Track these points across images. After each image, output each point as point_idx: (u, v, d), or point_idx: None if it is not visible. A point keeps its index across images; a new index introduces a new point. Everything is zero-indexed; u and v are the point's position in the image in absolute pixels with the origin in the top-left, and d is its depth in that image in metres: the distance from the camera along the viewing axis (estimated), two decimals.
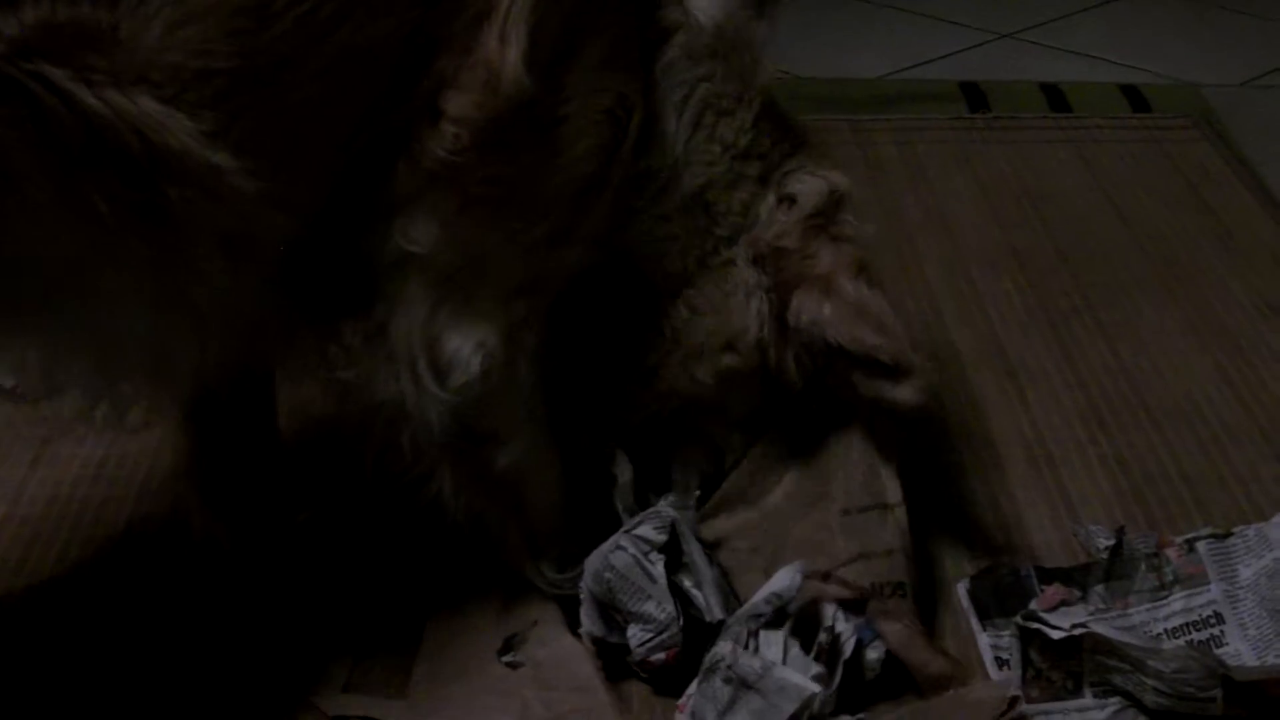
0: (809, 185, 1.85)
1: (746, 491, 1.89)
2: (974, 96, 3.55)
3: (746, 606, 1.70)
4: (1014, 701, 1.64)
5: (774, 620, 1.67)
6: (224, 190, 1.39)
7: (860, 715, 1.66)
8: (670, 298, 1.84)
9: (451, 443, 1.70)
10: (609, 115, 1.68)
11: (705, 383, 1.86)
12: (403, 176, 1.57)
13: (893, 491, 1.84)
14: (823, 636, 1.67)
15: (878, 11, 4.23)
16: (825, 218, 1.84)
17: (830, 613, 1.71)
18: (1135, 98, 3.54)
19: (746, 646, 1.65)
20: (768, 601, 1.68)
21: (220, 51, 1.36)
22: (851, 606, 1.73)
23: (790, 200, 1.84)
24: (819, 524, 1.83)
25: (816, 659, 1.65)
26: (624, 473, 1.87)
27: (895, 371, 1.75)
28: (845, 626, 1.70)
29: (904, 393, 1.75)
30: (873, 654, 1.72)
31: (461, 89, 1.55)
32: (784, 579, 1.70)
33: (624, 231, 1.77)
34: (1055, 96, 3.54)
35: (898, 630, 1.75)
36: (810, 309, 1.78)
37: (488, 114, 1.55)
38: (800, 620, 1.68)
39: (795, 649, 1.66)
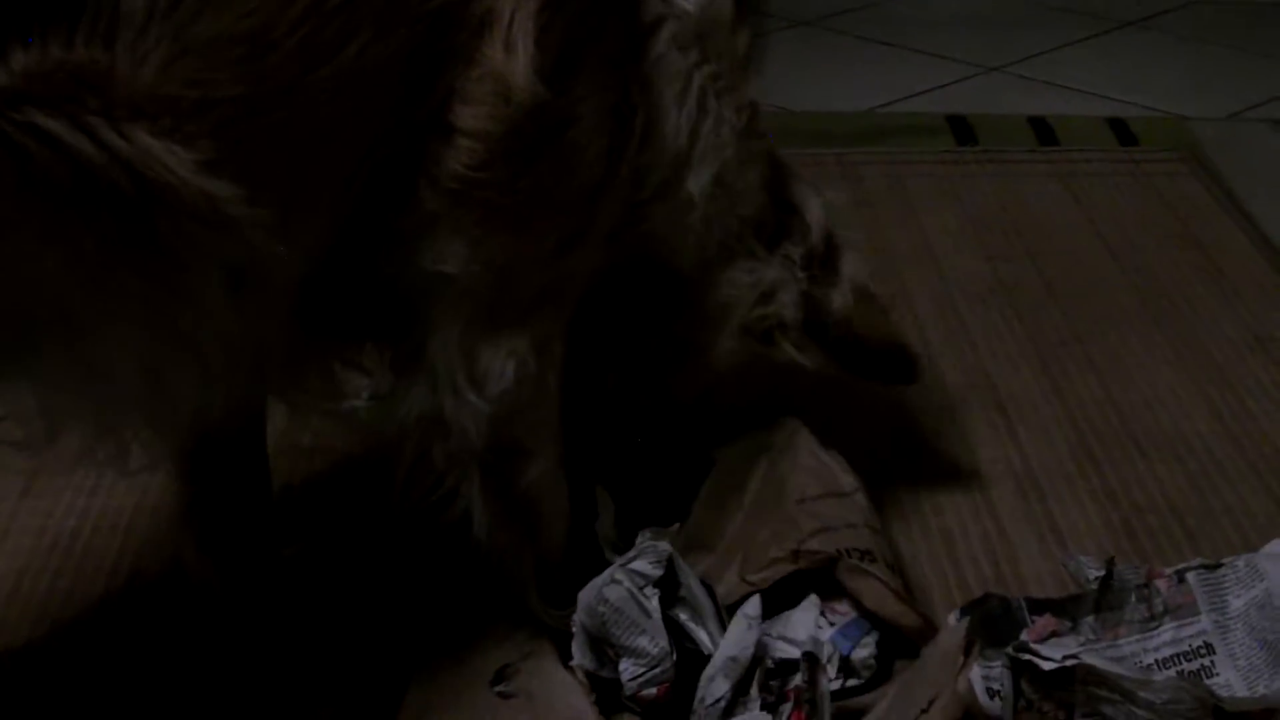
0: (809, 197, 1.99)
1: (706, 537, 1.91)
2: (962, 130, 3.56)
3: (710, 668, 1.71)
4: (970, 644, 1.65)
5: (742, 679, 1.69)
6: (222, 219, 1.37)
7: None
8: (701, 281, 1.89)
9: (484, 454, 1.70)
10: (615, 114, 1.68)
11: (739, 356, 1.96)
12: (424, 196, 1.56)
13: (847, 482, 1.94)
14: (798, 679, 1.67)
15: (865, 46, 4.25)
16: (831, 225, 1.99)
17: (812, 621, 1.73)
18: (1123, 131, 3.55)
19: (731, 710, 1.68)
20: (725, 674, 1.68)
21: (220, 80, 1.34)
22: (821, 575, 1.77)
23: (793, 209, 1.98)
24: (780, 520, 1.87)
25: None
26: (606, 509, 1.88)
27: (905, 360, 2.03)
28: (828, 633, 1.72)
29: (907, 375, 2.04)
30: (862, 652, 1.73)
31: (471, 102, 1.54)
32: (735, 638, 1.70)
33: (634, 227, 1.78)
34: (1043, 130, 3.55)
35: (871, 586, 1.78)
36: (839, 302, 1.98)
37: (502, 125, 1.55)
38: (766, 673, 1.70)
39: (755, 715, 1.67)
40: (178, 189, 1.33)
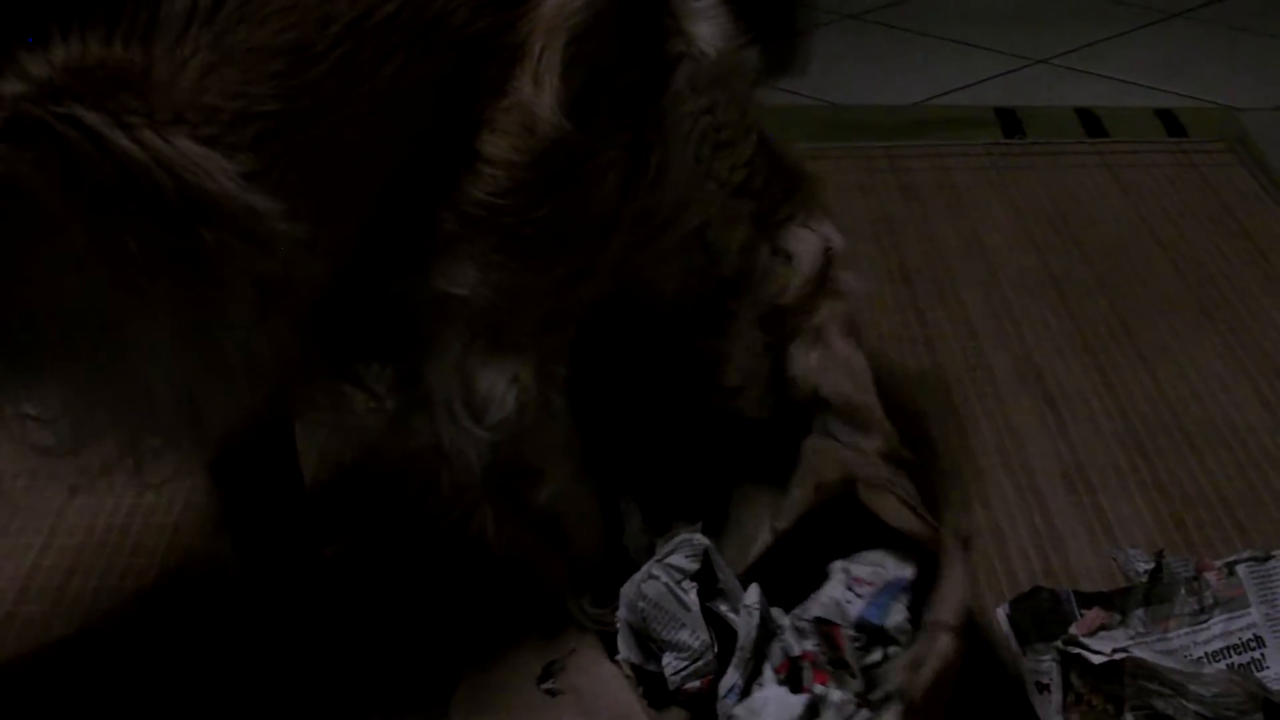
0: (806, 244, 1.95)
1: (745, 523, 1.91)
2: (1009, 122, 3.55)
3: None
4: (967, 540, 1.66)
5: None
6: (262, 233, 1.38)
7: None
8: (674, 333, 1.88)
9: (491, 481, 1.69)
10: (631, 150, 1.69)
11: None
12: (443, 219, 1.56)
13: (863, 441, 1.91)
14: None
15: (913, 39, 4.24)
16: (821, 277, 1.95)
17: (839, 594, 1.72)
18: (1171, 122, 3.53)
19: (747, 693, 1.68)
20: (734, 664, 1.69)
21: (260, 94, 1.35)
22: (843, 517, 1.77)
23: (787, 256, 1.94)
24: (802, 471, 1.86)
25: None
26: (632, 515, 1.88)
27: (865, 426, 1.91)
28: (857, 607, 1.72)
29: (868, 445, 1.90)
30: (895, 619, 1.73)
31: (498, 131, 1.55)
32: (740, 629, 1.70)
33: (625, 264, 1.77)
34: (1091, 121, 3.54)
35: (890, 503, 1.77)
36: (801, 360, 1.94)
37: (525, 155, 1.55)
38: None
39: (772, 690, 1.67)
40: (220, 200, 1.34)
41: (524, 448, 1.69)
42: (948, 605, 1.60)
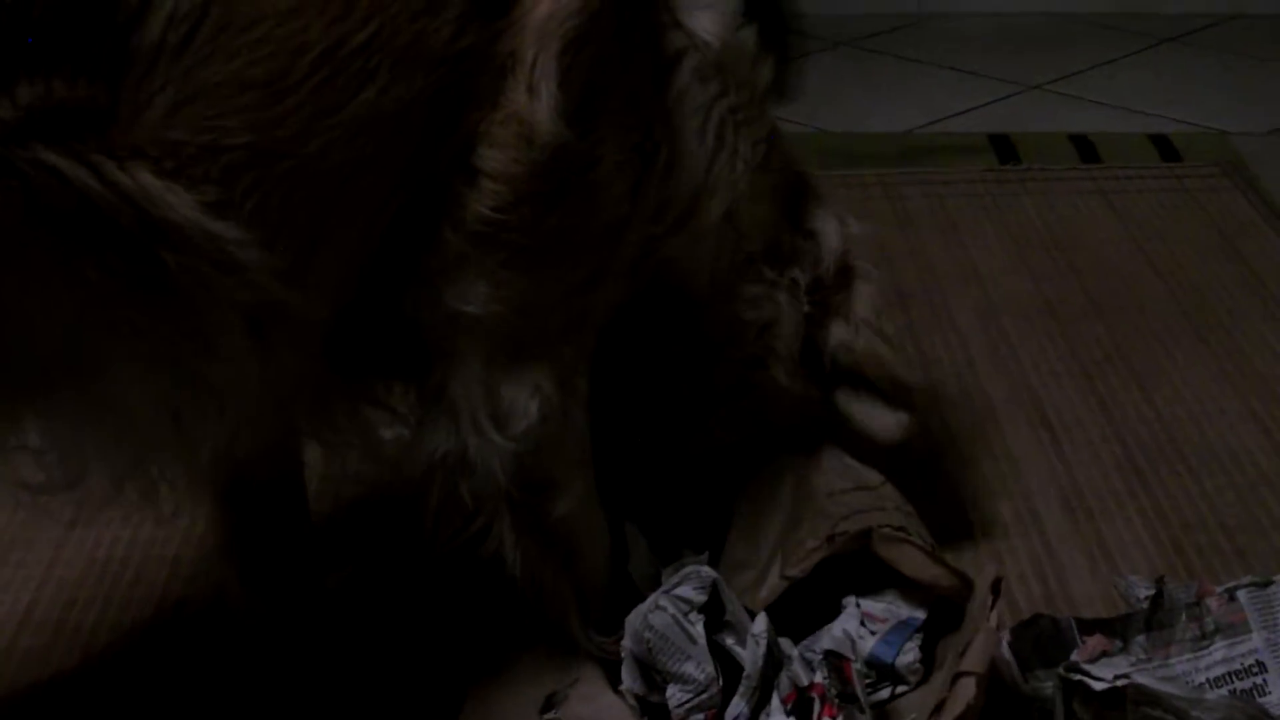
0: (828, 224, 1.99)
1: (745, 555, 1.91)
2: (1003, 148, 3.55)
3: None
4: (998, 581, 1.66)
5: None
6: (230, 261, 1.36)
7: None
8: (709, 310, 1.90)
9: (512, 491, 1.69)
10: (638, 151, 1.69)
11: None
12: (448, 238, 1.56)
13: (874, 477, 1.95)
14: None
15: (905, 66, 4.24)
16: (847, 253, 1.99)
17: (853, 628, 1.72)
18: (1165, 147, 3.54)
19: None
20: (740, 693, 1.69)
21: (230, 127, 1.33)
22: (856, 559, 1.78)
23: (811, 234, 1.98)
24: (813, 515, 1.86)
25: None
26: (638, 544, 1.88)
27: (893, 401, 1.99)
28: (870, 643, 1.72)
29: (889, 424, 2.00)
30: (906, 658, 1.73)
31: (495, 145, 1.54)
32: (747, 658, 1.70)
33: (650, 257, 1.78)
34: (1085, 147, 3.55)
35: (906, 552, 1.78)
36: (839, 334, 1.99)
37: (526, 167, 1.55)
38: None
39: None
40: (183, 228, 1.33)
41: (544, 458, 1.69)
42: (977, 655, 1.60)
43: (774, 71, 1.92)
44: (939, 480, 2.21)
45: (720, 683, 1.70)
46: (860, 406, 2.01)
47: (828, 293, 1.98)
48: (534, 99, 1.53)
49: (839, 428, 2.01)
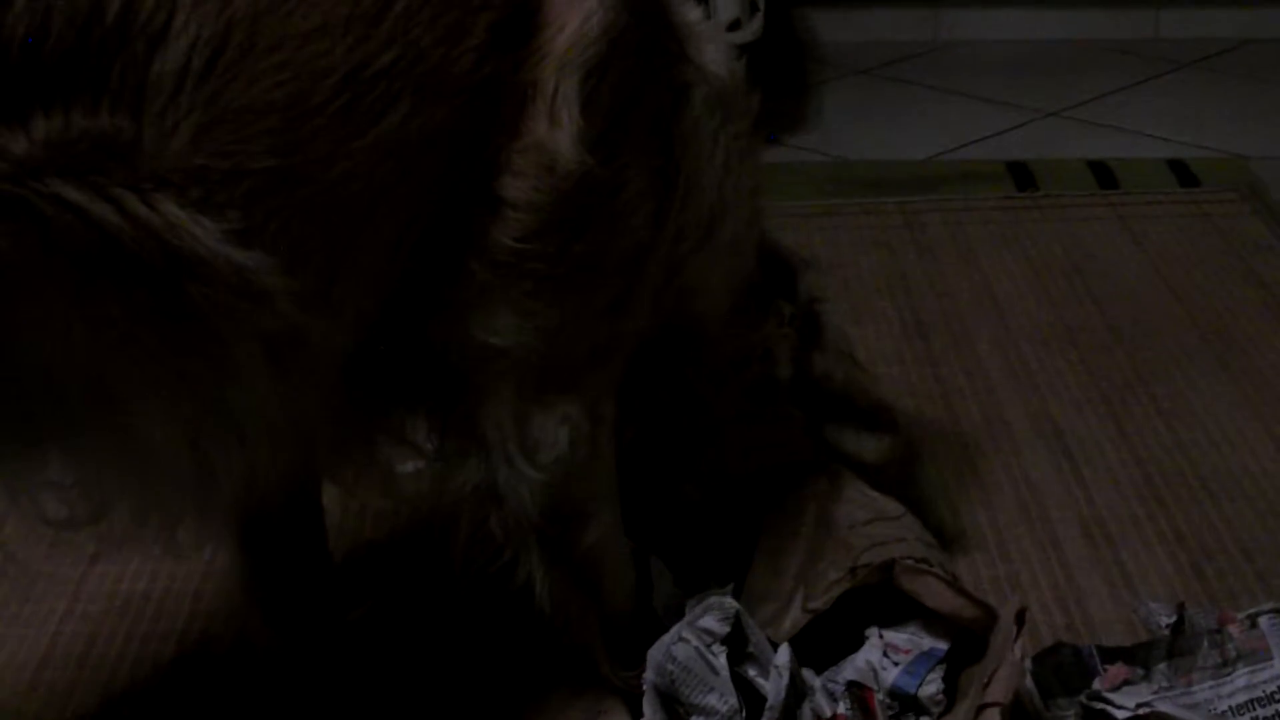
0: (794, 256, 2.06)
1: (767, 587, 1.91)
2: (1021, 175, 3.55)
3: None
4: (1022, 611, 1.66)
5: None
6: (255, 291, 1.35)
7: None
8: (719, 336, 1.91)
9: (541, 522, 1.68)
10: (660, 175, 1.68)
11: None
12: (473, 268, 1.55)
13: (894, 508, 1.95)
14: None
15: (924, 94, 4.25)
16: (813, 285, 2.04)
17: (876, 658, 1.73)
18: (1183, 172, 3.54)
19: None
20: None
21: (253, 151, 1.32)
22: (879, 591, 1.78)
23: (784, 268, 2.02)
24: (834, 547, 1.86)
25: None
26: (663, 577, 1.88)
27: (876, 427, 2.05)
28: (892, 674, 1.72)
29: (872, 449, 2.04)
30: (929, 689, 1.73)
31: (518, 174, 1.53)
32: (770, 690, 1.70)
33: (671, 282, 1.78)
34: (1103, 173, 3.55)
35: (929, 584, 1.77)
36: (821, 364, 2.02)
37: (549, 196, 1.54)
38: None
39: None
40: (207, 259, 1.31)
41: (574, 488, 1.69)
42: (1001, 686, 1.60)
43: (793, 100, 1.95)
44: (958, 506, 2.20)
45: (743, 714, 1.69)
46: (849, 434, 2.04)
47: (801, 322, 2.00)
48: (555, 127, 1.53)
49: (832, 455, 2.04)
